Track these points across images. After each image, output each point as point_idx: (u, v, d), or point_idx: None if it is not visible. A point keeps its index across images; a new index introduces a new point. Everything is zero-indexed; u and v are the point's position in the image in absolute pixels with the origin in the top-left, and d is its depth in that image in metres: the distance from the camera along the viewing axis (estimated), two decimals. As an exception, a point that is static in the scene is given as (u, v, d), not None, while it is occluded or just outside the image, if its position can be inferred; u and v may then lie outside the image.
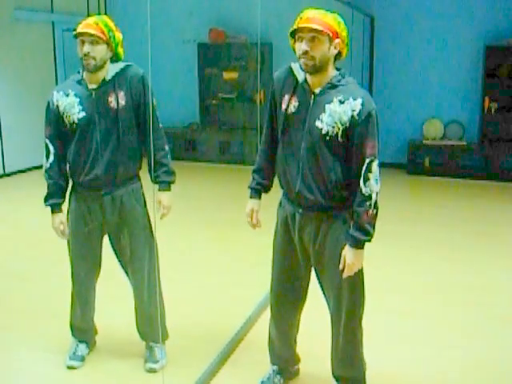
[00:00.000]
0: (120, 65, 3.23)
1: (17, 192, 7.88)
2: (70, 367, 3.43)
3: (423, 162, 8.85)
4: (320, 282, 2.98)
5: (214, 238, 5.85)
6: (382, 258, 5.14)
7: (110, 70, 3.19)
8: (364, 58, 8.56)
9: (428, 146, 8.81)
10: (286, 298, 3.07)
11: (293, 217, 2.89)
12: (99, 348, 3.64)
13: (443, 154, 8.74)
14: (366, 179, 2.65)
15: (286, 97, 2.83)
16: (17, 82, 8.71)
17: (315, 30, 2.60)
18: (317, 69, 2.67)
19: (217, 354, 3.49)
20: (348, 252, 2.71)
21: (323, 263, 2.86)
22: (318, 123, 2.70)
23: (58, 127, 3.23)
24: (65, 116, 3.18)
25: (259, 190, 3.06)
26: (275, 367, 3.27)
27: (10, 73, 8.61)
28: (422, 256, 5.42)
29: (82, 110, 3.15)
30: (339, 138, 2.68)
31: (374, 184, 2.65)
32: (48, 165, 3.26)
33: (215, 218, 6.57)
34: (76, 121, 3.15)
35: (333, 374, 3.08)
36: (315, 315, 3.44)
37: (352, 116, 2.64)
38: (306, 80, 2.77)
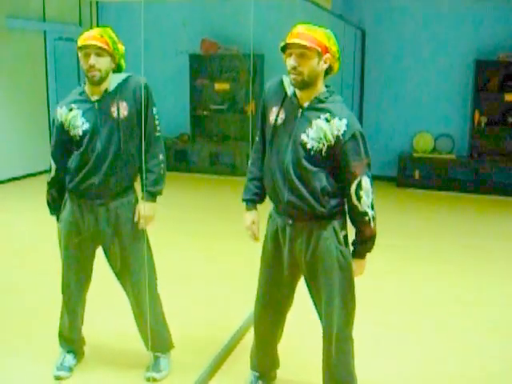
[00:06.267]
0: (121, 75, 3.24)
1: (6, 201, 7.84)
2: (57, 378, 3.40)
3: (413, 174, 8.89)
4: (311, 294, 2.98)
5: (204, 250, 5.83)
6: (370, 270, 5.13)
7: (112, 81, 3.20)
8: (355, 71, 8.61)
9: (418, 159, 8.85)
10: (270, 310, 3.10)
11: (283, 229, 2.90)
12: (88, 358, 3.61)
13: (433, 167, 8.79)
14: (359, 197, 2.75)
15: (274, 109, 2.87)
16: (7, 90, 8.67)
17: (303, 46, 2.64)
18: (305, 84, 2.72)
19: (206, 366, 3.47)
20: (355, 264, 2.91)
21: (315, 274, 2.87)
22: (303, 137, 2.74)
23: (62, 143, 3.26)
24: (70, 130, 3.19)
25: (255, 200, 3.09)
26: (256, 373, 3.31)
27: (1, 81, 8.59)
28: (410, 269, 5.43)
29: (86, 121, 3.16)
30: (323, 153, 2.73)
31: (366, 200, 2.76)
32: (50, 179, 3.34)
33: (205, 229, 6.55)
34: (80, 133, 3.17)
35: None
36: (300, 325, 3.43)
37: (337, 136, 2.69)
38: (294, 94, 2.81)
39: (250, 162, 3.12)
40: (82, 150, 3.19)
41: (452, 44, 8.72)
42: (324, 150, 2.72)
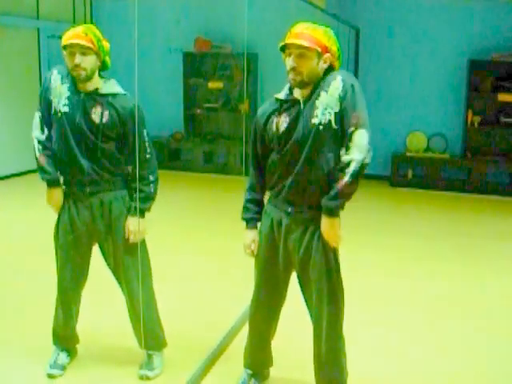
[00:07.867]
0: (115, 88, 3.23)
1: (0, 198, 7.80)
2: (49, 376, 3.39)
3: (406, 174, 8.90)
4: (303, 291, 2.99)
5: (198, 248, 5.82)
6: (364, 269, 5.15)
7: (105, 86, 3.20)
8: (348, 71, 8.61)
9: (411, 159, 8.87)
10: (266, 306, 3.11)
11: (279, 222, 2.91)
12: (80, 356, 3.60)
13: (426, 166, 8.80)
14: (348, 148, 2.64)
15: (275, 119, 2.84)
16: (1, 88, 8.64)
17: (303, 47, 2.63)
18: (304, 84, 2.73)
19: (199, 364, 3.47)
20: (323, 221, 2.74)
21: (307, 269, 2.88)
22: (314, 120, 2.70)
23: (50, 102, 3.22)
24: (53, 99, 3.19)
25: (256, 219, 3.08)
26: (249, 371, 3.31)
27: (-6, 78, 8.55)
28: (404, 268, 5.43)
29: (68, 105, 3.15)
30: (333, 125, 2.69)
31: (355, 152, 2.62)
32: (44, 137, 3.24)
33: (199, 227, 6.54)
34: (61, 110, 3.16)
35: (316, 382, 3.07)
36: (293, 323, 3.43)
37: (339, 95, 2.66)
38: (289, 94, 2.82)
39: (248, 186, 3.08)
40: (59, 132, 3.18)
41: (446, 44, 8.74)
42: (333, 120, 2.67)
